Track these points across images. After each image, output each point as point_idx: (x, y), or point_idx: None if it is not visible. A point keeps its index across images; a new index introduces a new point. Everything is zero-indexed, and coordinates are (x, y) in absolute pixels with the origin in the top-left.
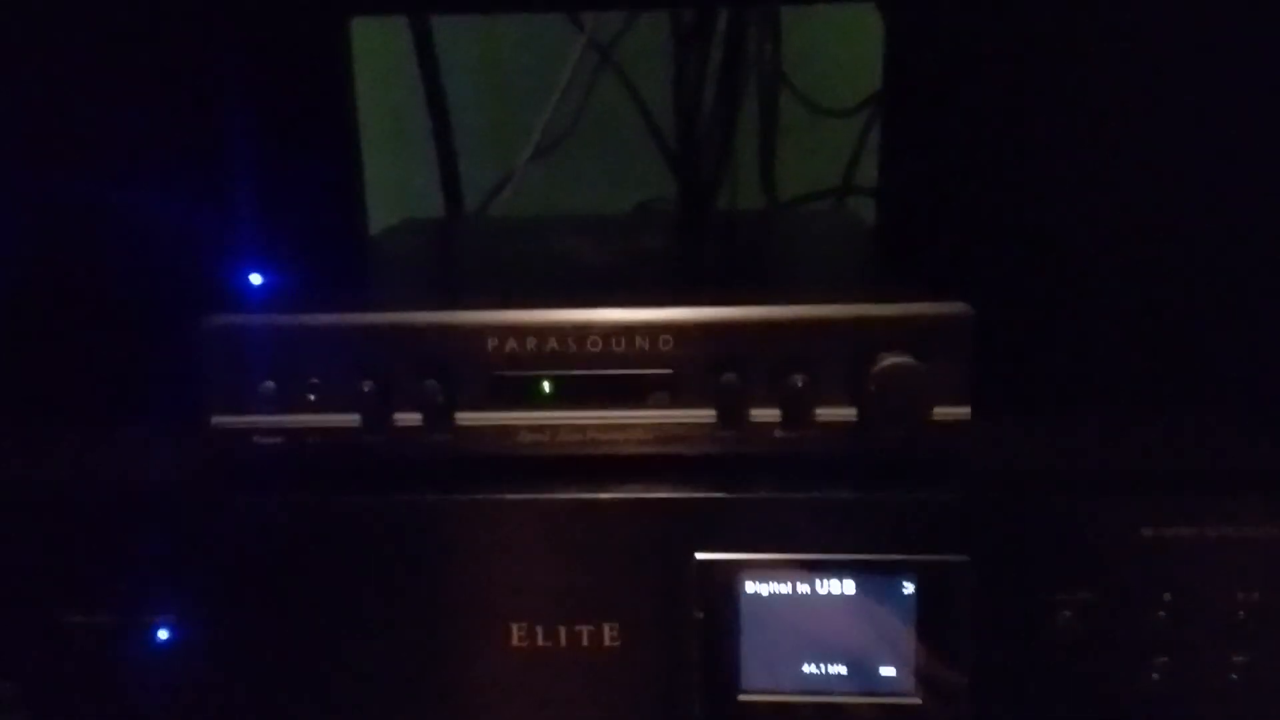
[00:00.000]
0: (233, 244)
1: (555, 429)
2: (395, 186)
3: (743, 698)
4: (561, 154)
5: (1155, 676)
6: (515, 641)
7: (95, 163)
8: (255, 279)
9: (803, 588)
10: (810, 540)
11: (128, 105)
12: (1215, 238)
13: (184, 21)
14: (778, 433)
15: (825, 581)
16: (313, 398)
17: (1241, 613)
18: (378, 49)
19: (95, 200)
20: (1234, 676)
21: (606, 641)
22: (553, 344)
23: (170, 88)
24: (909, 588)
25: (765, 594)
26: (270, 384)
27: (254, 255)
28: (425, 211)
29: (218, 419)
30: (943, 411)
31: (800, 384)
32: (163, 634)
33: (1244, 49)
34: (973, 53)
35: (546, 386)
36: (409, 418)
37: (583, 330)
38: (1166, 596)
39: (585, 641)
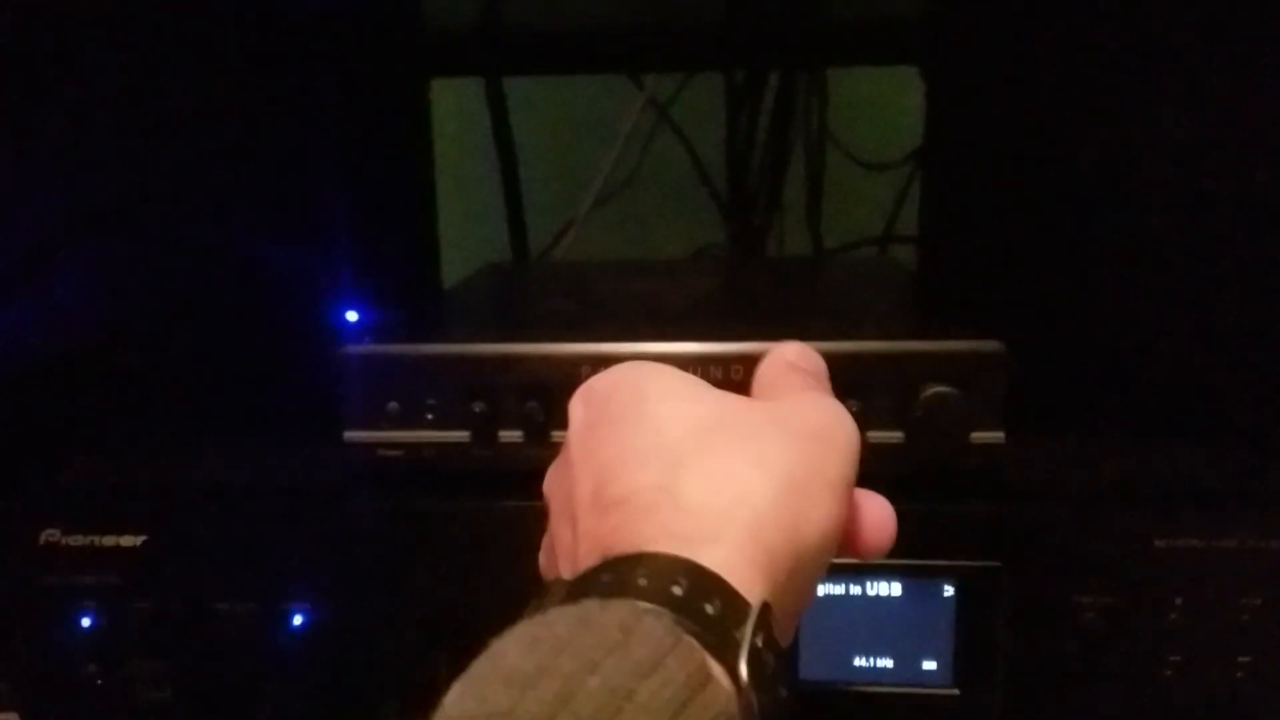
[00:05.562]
0: (346, 286)
1: None
2: (464, 229)
3: (801, 685)
4: (621, 203)
5: (1169, 673)
6: None
7: (235, 222)
8: (352, 316)
9: (855, 589)
10: None
11: (256, 171)
12: (1232, 279)
13: (292, 104)
14: None
15: (875, 584)
16: (430, 417)
17: (1245, 616)
18: (448, 104)
19: (229, 252)
20: (1240, 675)
21: None
22: None
23: (280, 156)
24: (949, 590)
25: (821, 594)
26: (395, 405)
27: (358, 296)
28: (492, 253)
29: (350, 434)
30: (979, 435)
31: (854, 410)
32: (298, 619)
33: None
34: (1009, 111)
35: None
36: (512, 435)
37: (664, 360)
38: (1178, 601)
39: None
